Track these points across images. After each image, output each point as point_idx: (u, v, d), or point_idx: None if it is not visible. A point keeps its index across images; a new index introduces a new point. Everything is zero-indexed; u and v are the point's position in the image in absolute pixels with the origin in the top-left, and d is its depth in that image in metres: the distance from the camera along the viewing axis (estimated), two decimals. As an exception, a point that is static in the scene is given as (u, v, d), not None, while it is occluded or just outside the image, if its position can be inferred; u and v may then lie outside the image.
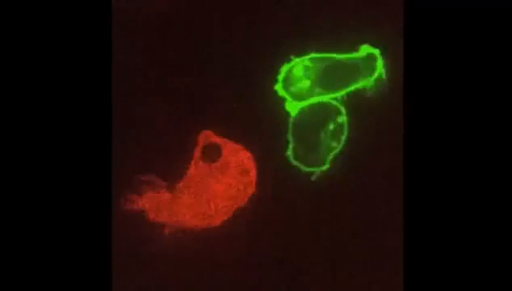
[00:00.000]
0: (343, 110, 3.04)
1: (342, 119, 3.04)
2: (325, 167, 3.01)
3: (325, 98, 3.05)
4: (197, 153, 3.05)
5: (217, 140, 3.06)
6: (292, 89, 3.05)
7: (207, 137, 3.05)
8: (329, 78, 3.04)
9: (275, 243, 3.03)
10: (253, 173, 3.04)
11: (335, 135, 3.04)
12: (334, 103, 3.04)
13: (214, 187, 3.05)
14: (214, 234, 3.04)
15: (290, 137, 3.04)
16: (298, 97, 3.05)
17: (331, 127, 3.04)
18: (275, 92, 3.04)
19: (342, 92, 3.03)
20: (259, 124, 3.05)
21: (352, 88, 3.03)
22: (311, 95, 3.05)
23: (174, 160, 3.06)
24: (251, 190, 3.04)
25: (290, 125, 3.04)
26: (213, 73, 3.06)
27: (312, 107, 3.06)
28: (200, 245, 3.04)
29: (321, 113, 3.06)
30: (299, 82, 3.05)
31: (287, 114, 3.05)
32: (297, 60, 3.04)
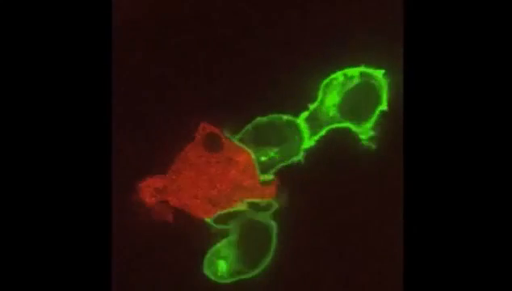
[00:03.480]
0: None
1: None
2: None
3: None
4: (196, 139, 3.05)
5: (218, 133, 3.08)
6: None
7: (206, 128, 3.06)
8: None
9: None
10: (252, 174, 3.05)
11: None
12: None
13: (215, 174, 3.05)
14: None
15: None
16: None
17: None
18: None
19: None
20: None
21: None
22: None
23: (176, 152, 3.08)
24: (251, 193, 3.06)
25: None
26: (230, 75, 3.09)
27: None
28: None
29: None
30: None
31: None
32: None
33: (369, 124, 3.03)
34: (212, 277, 3.01)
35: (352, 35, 3.04)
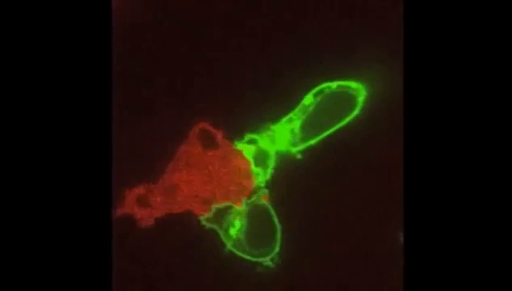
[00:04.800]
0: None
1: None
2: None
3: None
4: (194, 139, 3.07)
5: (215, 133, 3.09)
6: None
7: (204, 129, 3.08)
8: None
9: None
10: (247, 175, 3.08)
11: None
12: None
13: (211, 173, 3.06)
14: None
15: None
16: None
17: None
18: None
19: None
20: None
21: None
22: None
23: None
24: (246, 191, 3.07)
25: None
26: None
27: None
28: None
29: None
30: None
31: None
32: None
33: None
34: (231, 245, 3.04)
35: (352, 47, 3.06)
